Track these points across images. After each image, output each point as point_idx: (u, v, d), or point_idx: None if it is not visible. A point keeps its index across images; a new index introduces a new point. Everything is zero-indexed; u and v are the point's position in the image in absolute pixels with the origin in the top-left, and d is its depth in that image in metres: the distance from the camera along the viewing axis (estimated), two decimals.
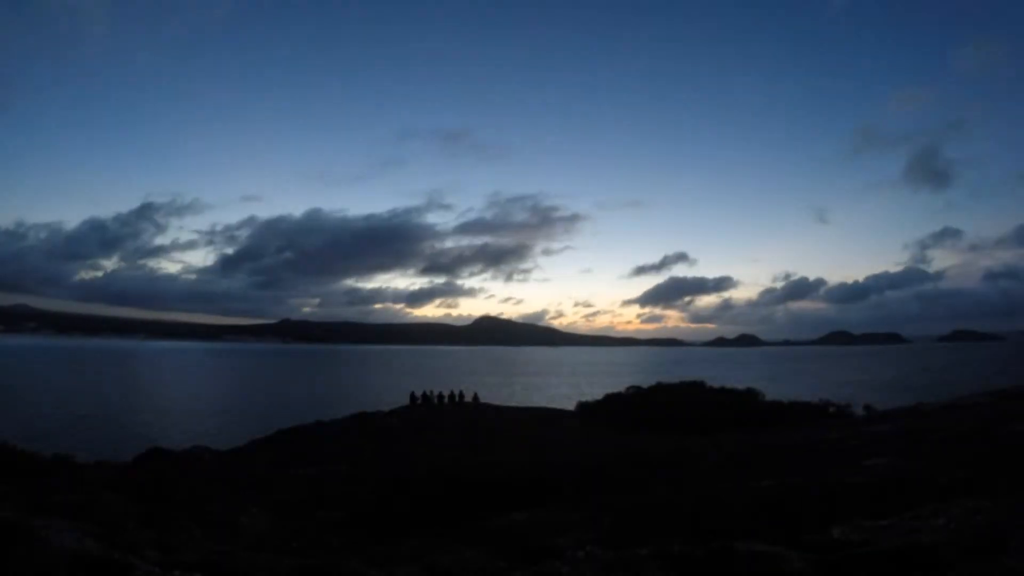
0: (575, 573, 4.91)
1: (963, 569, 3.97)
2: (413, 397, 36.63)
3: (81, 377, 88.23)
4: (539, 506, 10.31)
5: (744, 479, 10.43)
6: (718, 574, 4.69)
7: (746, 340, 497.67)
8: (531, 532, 8.69)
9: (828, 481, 9.25)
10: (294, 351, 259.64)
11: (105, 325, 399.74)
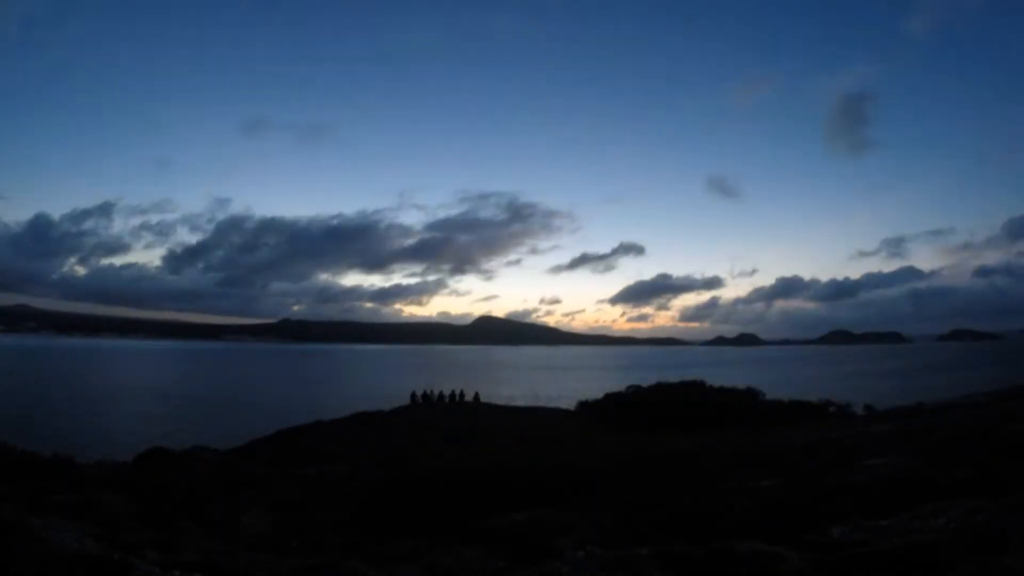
0: (575, 573, 4.92)
1: (963, 569, 3.97)
2: (414, 397, 36.71)
3: (81, 377, 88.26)
4: (539, 506, 10.30)
5: (744, 479, 10.43)
6: (718, 574, 4.69)
7: (746, 340, 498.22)
8: (531, 532, 8.69)
9: (828, 481, 9.25)
10: (294, 351, 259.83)
11: (105, 325, 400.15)
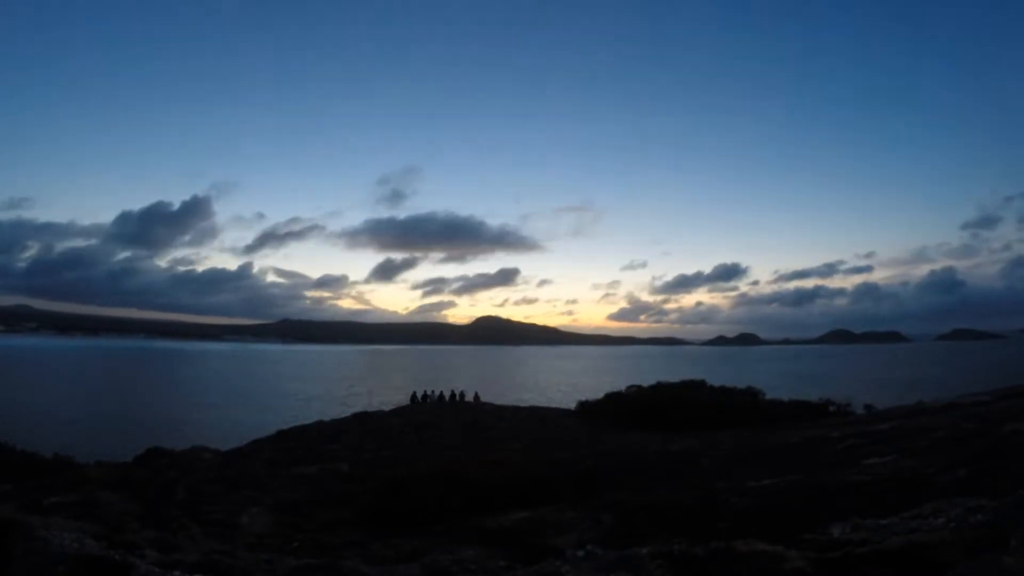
0: (575, 573, 4.91)
1: (963, 569, 3.96)
2: (414, 397, 36.68)
3: (81, 377, 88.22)
4: (539, 506, 10.30)
5: (744, 479, 10.42)
6: (718, 573, 4.68)
7: (746, 339, 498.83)
8: (531, 532, 8.69)
9: (828, 481, 9.24)
10: (294, 351, 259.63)
11: (105, 325, 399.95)
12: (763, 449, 14.79)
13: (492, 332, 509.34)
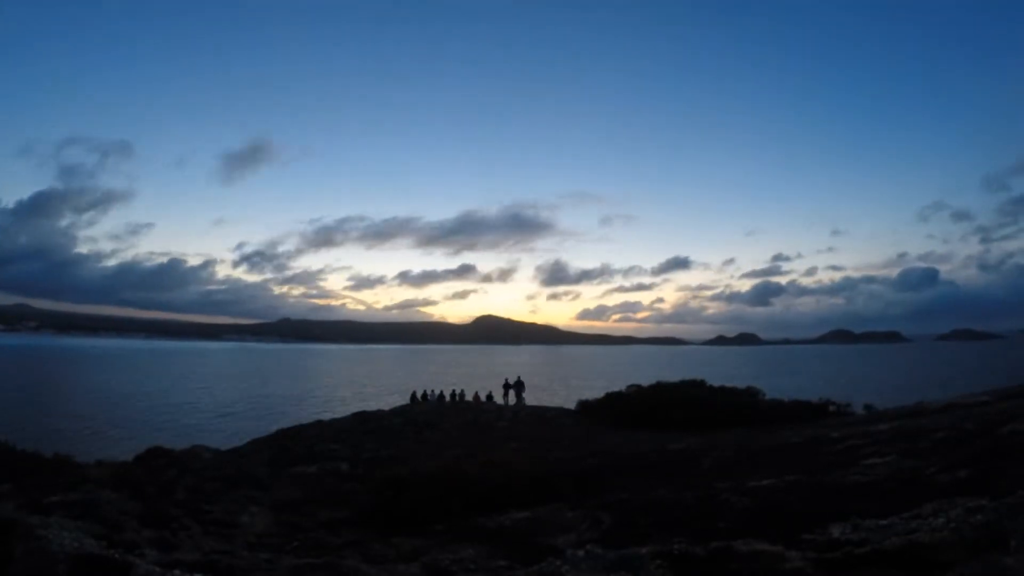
0: (575, 572, 4.91)
1: (963, 569, 3.96)
2: (414, 397, 36.70)
3: (81, 377, 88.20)
4: (539, 505, 10.29)
5: (744, 479, 10.41)
6: (718, 573, 4.68)
7: (746, 339, 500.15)
8: (531, 532, 8.68)
9: (828, 481, 9.24)
10: (294, 351, 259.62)
11: (105, 325, 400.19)
12: (763, 449, 14.78)
13: (491, 332, 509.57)
